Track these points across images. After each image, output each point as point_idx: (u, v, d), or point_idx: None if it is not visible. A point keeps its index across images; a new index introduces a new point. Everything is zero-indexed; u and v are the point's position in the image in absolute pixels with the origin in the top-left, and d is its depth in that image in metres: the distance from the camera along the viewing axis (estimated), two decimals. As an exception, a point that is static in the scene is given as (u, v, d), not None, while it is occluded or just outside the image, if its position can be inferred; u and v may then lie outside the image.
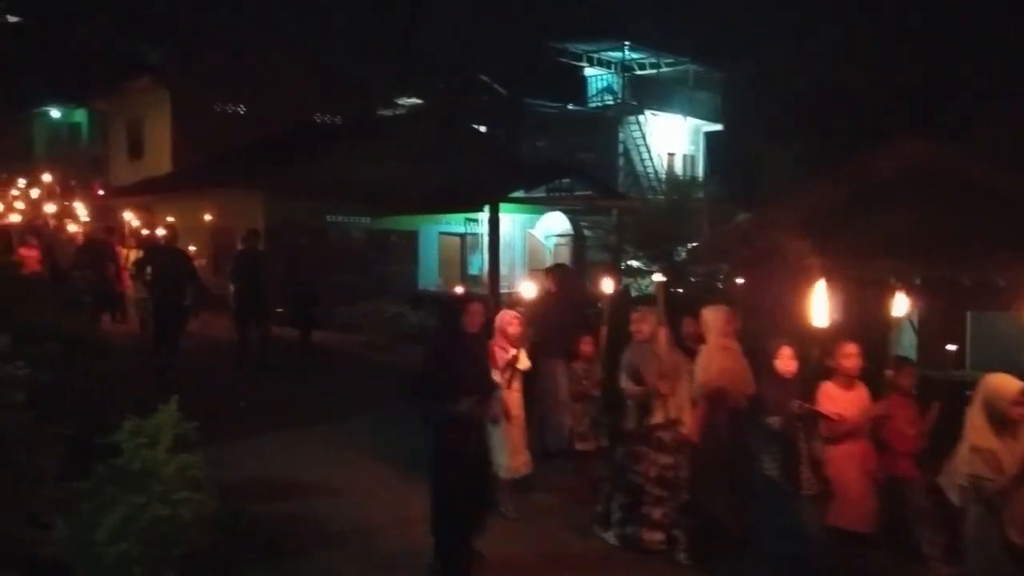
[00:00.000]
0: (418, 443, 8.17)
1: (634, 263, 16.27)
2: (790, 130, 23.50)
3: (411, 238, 21.24)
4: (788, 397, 5.16)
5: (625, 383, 5.86)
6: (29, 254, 15.01)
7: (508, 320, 6.37)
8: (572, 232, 21.44)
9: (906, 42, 26.78)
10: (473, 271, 21.01)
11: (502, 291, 18.73)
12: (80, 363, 5.74)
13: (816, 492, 5.15)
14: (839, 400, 5.27)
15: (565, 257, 21.06)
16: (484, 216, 19.76)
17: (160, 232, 15.51)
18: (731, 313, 6.13)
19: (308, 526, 6.05)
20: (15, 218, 17.99)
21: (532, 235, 21.80)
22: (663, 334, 5.79)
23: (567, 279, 8.57)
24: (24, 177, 23.56)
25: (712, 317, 6.06)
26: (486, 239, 19.69)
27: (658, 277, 6.92)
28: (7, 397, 3.81)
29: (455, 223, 21.08)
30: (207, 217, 18.09)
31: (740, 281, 10.57)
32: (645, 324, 5.88)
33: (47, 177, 22.54)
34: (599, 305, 7.13)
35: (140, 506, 4.29)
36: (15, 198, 21.28)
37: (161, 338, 10.76)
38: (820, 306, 4.64)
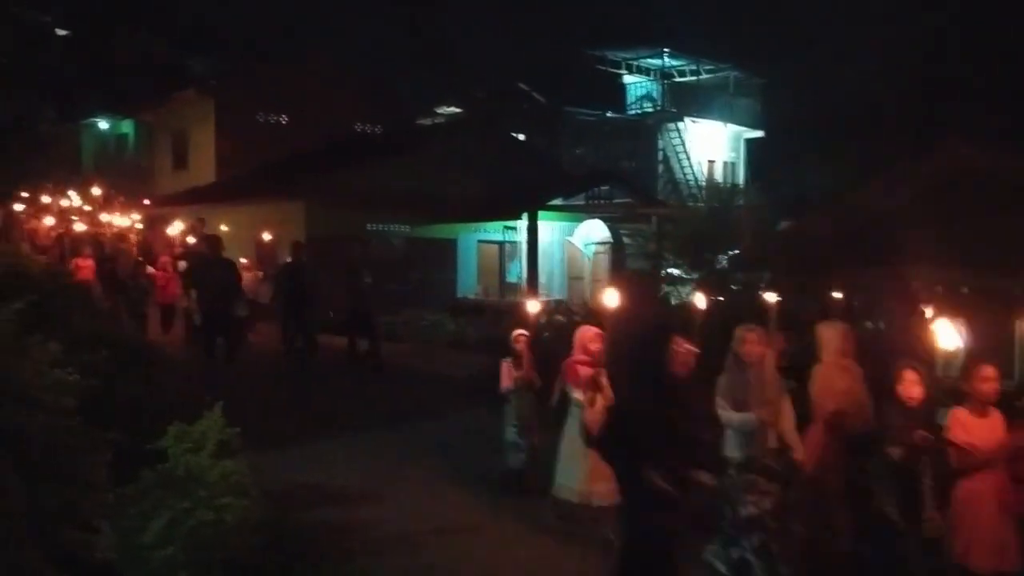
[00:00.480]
0: (461, 452, 8.26)
1: (674, 271, 16.13)
2: (835, 135, 23.19)
3: (450, 246, 21.32)
4: (912, 426, 4.72)
5: (724, 410, 5.32)
6: (84, 264, 15.23)
7: (590, 336, 6.05)
8: (611, 240, 21.35)
9: (954, 42, 26.27)
10: (511, 279, 21.03)
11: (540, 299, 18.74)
12: (129, 369, 5.83)
13: (941, 534, 4.70)
14: (972, 428, 4.81)
15: (604, 265, 20.98)
16: (522, 224, 19.77)
17: (195, 241, 15.61)
18: (849, 330, 5.75)
19: (352, 533, 6.06)
20: (70, 227, 18.41)
21: (571, 243, 21.75)
22: (771, 356, 5.35)
23: (643, 289, 8.17)
24: (74, 187, 24.04)
25: (829, 334, 5.70)
26: (524, 247, 19.69)
27: (771, 296, 6.22)
28: (58, 402, 3.89)
29: (494, 231, 21.12)
30: (251, 226, 18.35)
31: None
32: (758, 346, 5.34)
33: (97, 190, 22.95)
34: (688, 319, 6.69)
35: (185, 511, 4.33)
36: (68, 209, 21.71)
37: (210, 349, 10.73)
38: (945, 328, 4.42)
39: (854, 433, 5.32)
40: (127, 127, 31.42)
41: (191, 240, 16.20)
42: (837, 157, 21.51)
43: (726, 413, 5.30)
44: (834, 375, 5.56)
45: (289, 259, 13.20)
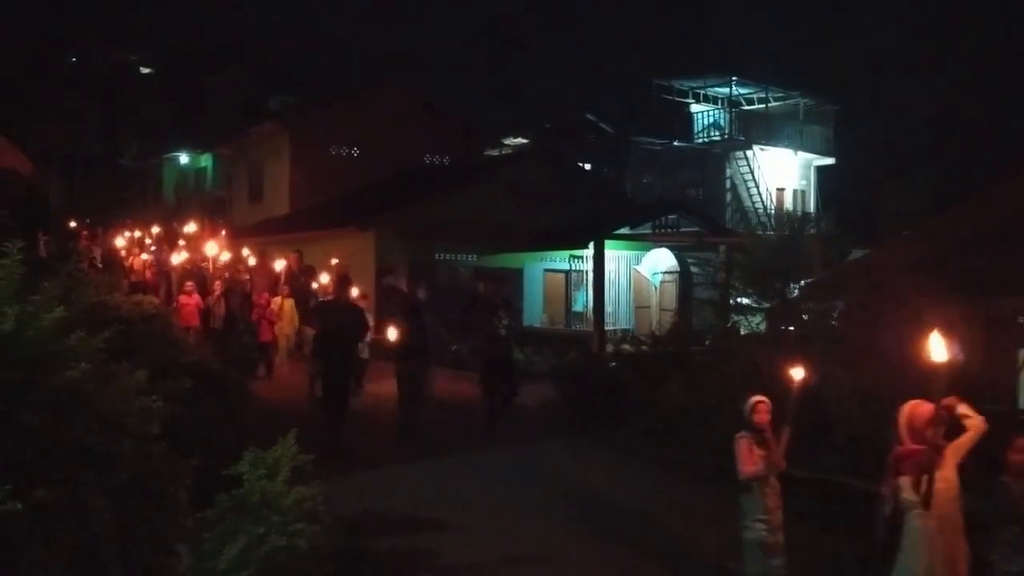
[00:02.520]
0: (529, 480, 8.26)
1: (744, 300, 15.88)
2: (909, 161, 22.66)
3: (516, 275, 21.42)
4: None
5: None
6: (188, 302, 14.26)
7: (926, 417, 4.65)
8: (679, 269, 21.16)
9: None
10: (577, 308, 20.99)
11: (606, 328, 18.66)
12: (208, 396, 6.02)
13: None
14: None
15: (671, 294, 20.79)
16: (589, 253, 19.76)
17: (302, 274, 15.11)
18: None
19: (420, 562, 6.12)
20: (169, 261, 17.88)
21: (638, 271, 21.63)
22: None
23: None
24: (157, 220, 24.84)
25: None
26: (591, 276, 19.66)
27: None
28: (143, 428, 4.04)
29: (560, 260, 21.15)
30: (323, 256, 18.75)
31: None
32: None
33: (191, 227, 23.14)
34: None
35: (259, 536, 4.43)
36: (163, 242, 22.01)
37: (329, 404, 9.65)
38: None
39: None
40: (206, 160, 32.55)
41: (276, 266, 15.46)
42: (911, 184, 21.01)
43: None
44: None
45: (403, 292, 12.13)
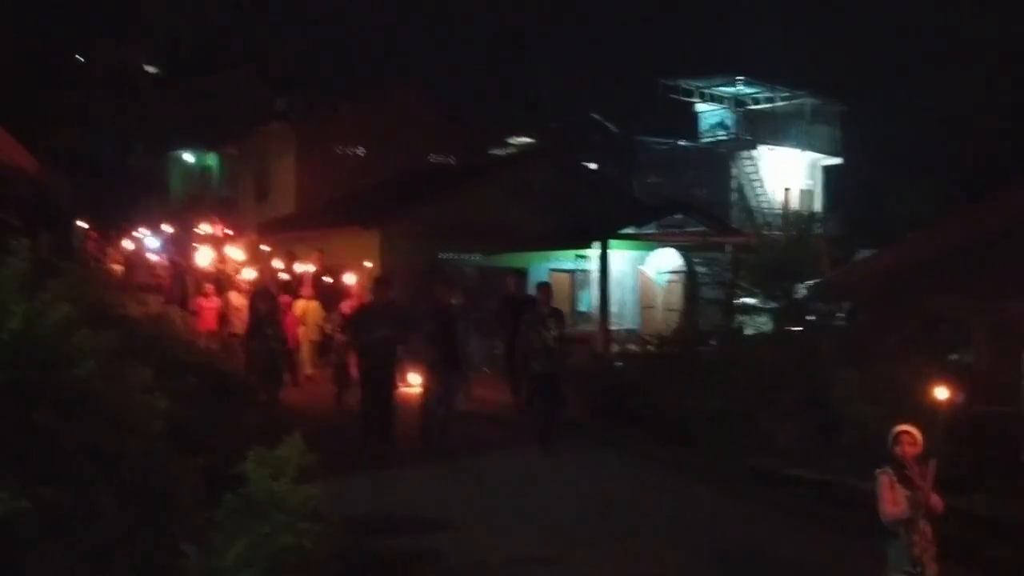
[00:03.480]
0: (536, 480, 8.23)
1: (750, 300, 15.84)
2: (917, 162, 22.58)
3: (522, 275, 21.37)
4: None
5: None
6: (208, 306, 13.49)
7: None
8: (685, 268, 21.11)
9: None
10: (583, 308, 20.95)
11: (612, 328, 18.61)
12: (214, 395, 6.01)
13: None
14: None
15: (677, 294, 20.75)
16: (595, 252, 19.72)
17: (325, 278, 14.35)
18: None
19: (427, 562, 6.10)
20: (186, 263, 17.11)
21: (643, 272, 21.59)
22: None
23: None
24: (165, 219, 24.66)
25: None
26: (596, 275, 19.63)
27: None
28: (149, 427, 4.03)
29: (565, 259, 21.10)
30: (329, 255, 18.73)
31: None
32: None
33: (208, 227, 22.56)
34: None
35: (265, 535, 4.42)
36: (181, 241, 21.40)
37: (368, 419, 9.06)
38: None
39: None
40: (212, 160, 32.56)
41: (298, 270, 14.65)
42: (919, 184, 20.93)
43: None
44: None
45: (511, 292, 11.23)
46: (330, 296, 13.81)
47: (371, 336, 8.97)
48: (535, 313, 9.95)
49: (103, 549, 3.47)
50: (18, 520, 3.39)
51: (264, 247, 18.04)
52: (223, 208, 29.98)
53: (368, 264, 14.46)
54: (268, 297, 12.59)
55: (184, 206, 31.44)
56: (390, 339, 9.05)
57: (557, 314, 10.12)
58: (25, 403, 3.73)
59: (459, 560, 6.15)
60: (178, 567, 4.00)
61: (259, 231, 24.33)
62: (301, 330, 13.33)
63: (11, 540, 3.44)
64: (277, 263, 15.35)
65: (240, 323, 12.65)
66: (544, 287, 10.40)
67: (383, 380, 9.03)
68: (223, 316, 13.15)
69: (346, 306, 12.35)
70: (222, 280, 15.27)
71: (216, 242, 20.61)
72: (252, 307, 12.37)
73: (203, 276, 15.11)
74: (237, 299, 13.02)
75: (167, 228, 22.90)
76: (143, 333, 6.57)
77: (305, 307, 13.34)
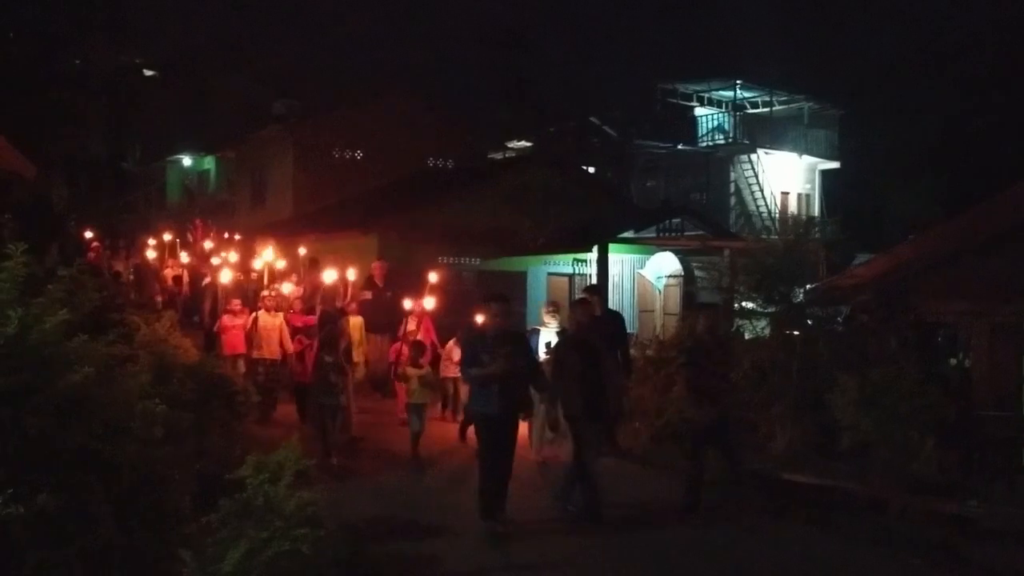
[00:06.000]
0: (538, 484, 8.19)
1: (748, 304, 15.85)
2: (915, 166, 22.60)
3: (520, 279, 21.37)
4: None
5: None
6: (234, 324, 11.38)
7: None
8: (683, 273, 21.12)
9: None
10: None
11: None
12: (211, 400, 6.00)
13: None
14: None
15: (676, 299, 20.76)
16: (593, 256, 19.73)
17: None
18: None
19: (425, 567, 6.08)
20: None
21: (641, 275, 21.59)
22: None
23: None
24: (163, 225, 24.38)
25: None
26: (595, 280, 19.62)
27: None
28: (147, 432, 4.03)
29: (563, 263, 21.11)
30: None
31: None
32: None
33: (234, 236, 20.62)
34: None
35: (263, 541, 4.41)
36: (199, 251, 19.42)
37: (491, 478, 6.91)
38: None
39: None
40: (209, 164, 32.57)
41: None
42: (917, 188, 20.95)
43: None
44: None
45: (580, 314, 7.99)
46: (389, 312, 11.99)
47: (492, 371, 6.75)
48: (697, 343, 8.15)
49: (99, 555, 3.46)
50: (14, 526, 3.38)
51: (303, 251, 15.75)
52: (220, 212, 29.96)
53: (433, 278, 11.35)
54: (332, 318, 10.74)
55: (181, 210, 31.43)
56: (517, 375, 6.88)
57: (722, 345, 8.23)
58: (21, 408, 3.72)
59: (457, 567, 6.13)
60: (175, 573, 3.98)
61: (256, 235, 24.31)
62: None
63: (7, 546, 3.43)
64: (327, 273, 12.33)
65: (268, 347, 10.90)
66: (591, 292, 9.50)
67: (508, 428, 6.96)
68: (250, 337, 11.03)
69: (417, 328, 10.87)
70: (247, 293, 13.44)
71: (216, 248, 18.93)
72: (329, 333, 9.86)
73: (226, 289, 12.64)
74: (266, 318, 11.09)
75: (168, 236, 21.45)
76: (141, 337, 6.56)
77: (354, 327, 11.61)
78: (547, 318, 9.87)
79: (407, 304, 11.00)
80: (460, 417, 10.53)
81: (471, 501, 7.13)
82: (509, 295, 7.76)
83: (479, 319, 8.06)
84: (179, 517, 4.04)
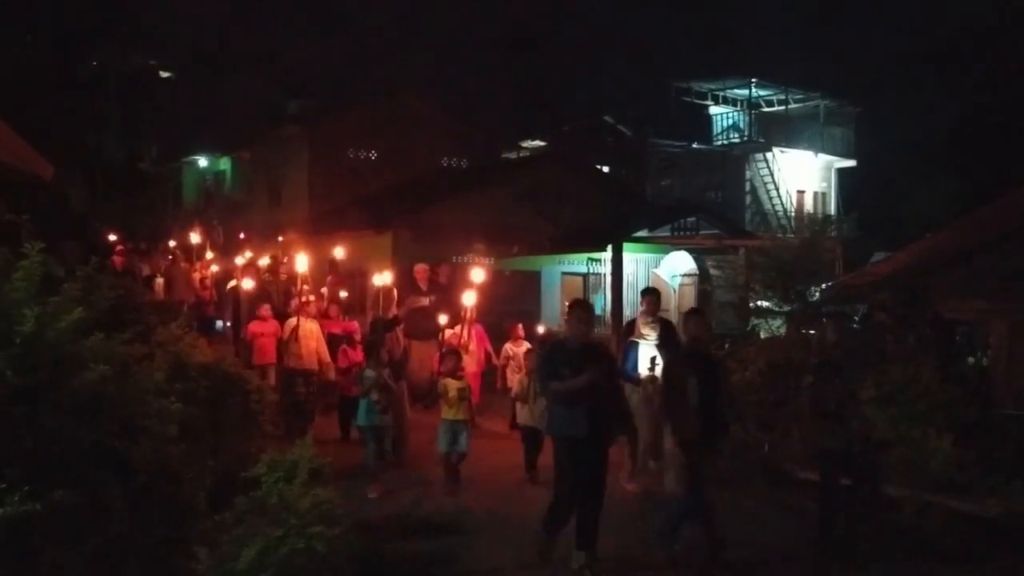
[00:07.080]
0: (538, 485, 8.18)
1: (764, 303, 15.78)
2: (933, 166, 22.43)
3: (534, 278, 21.37)
4: None
5: None
6: (262, 331, 10.70)
7: None
8: (698, 272, 21.04)
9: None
10: (595, 311, 20.91)
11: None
12: (227, 398, 6.03)
13: None
14: None
15: (691, 298, 20.68)
16: (607, 256, 19.69)
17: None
18: None
19: (439, 565, 6.08)
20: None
21: (656, 275, 21.53)
22: None
23: None
24: (187, 226, 24.40)
25: None
26: (609, 279, 19.58)
27: None
28: (162, 430, 4.05)
29: (577, 263, 21.09)
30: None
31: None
32: None
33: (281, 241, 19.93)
34: None
35: (278, 539, 4.42)
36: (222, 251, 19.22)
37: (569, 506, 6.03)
38: None
39: None
40: (225, 164, 32.70)
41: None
42: (934, 186, 20.79)
43: None
44: None
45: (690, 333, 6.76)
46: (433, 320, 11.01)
47: (580, 383, 5.84)
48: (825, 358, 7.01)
49: (114, 552, 3.48)
50: (30, 523, 3.40)
51: (340, 252, 14.42)
52: (236, 212, 30.07)
53: (479, 279, 10.45)
54: (386, 326, 9.53)
55: (198, 211, 31.59)
56: (606, 392, 6.07)
57: (836, 367, 6.77)
58: (37, 406, 3.74)
59: (472, 565, 6.12)
60: (190, 570, 4.00)
61: (271, 234, 24.40)
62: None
63: (23, 543, 3.45)
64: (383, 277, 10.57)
65: (309, 357, 10.07)
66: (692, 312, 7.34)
67: (600, 453, 6.01)
68: (286, 346, 10.19)
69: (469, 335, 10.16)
70: (273, 297, 12.63)
71: (238, 250, 18.22)
72: (369, 343, 9.11)
73: (250, 295, 11.97)
74: (307, 325, 10.26)
75: (197, 237, 20.81)
76: (157, 335, 6.60)
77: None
78: (646, 329, 8.20)
79: (467, 302, 9.92)
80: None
81: (488, 502, 7.06)
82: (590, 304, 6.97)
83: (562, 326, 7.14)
84: (194, 514, 4.06)
